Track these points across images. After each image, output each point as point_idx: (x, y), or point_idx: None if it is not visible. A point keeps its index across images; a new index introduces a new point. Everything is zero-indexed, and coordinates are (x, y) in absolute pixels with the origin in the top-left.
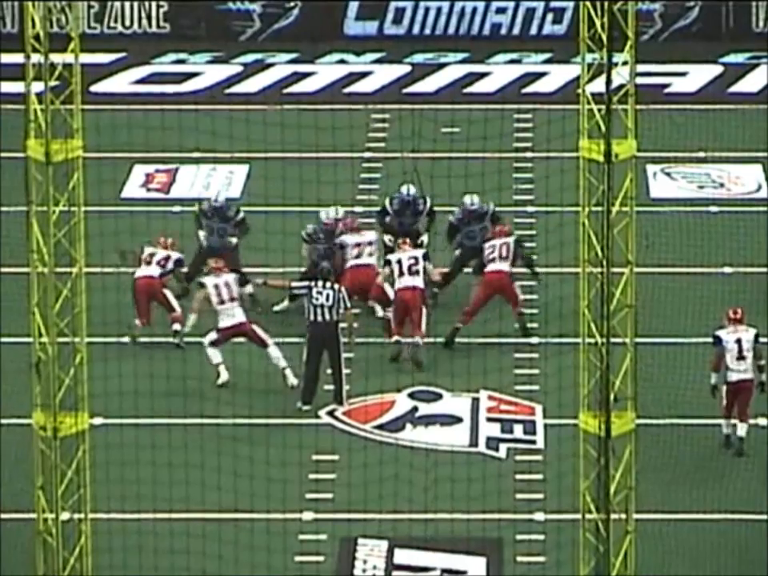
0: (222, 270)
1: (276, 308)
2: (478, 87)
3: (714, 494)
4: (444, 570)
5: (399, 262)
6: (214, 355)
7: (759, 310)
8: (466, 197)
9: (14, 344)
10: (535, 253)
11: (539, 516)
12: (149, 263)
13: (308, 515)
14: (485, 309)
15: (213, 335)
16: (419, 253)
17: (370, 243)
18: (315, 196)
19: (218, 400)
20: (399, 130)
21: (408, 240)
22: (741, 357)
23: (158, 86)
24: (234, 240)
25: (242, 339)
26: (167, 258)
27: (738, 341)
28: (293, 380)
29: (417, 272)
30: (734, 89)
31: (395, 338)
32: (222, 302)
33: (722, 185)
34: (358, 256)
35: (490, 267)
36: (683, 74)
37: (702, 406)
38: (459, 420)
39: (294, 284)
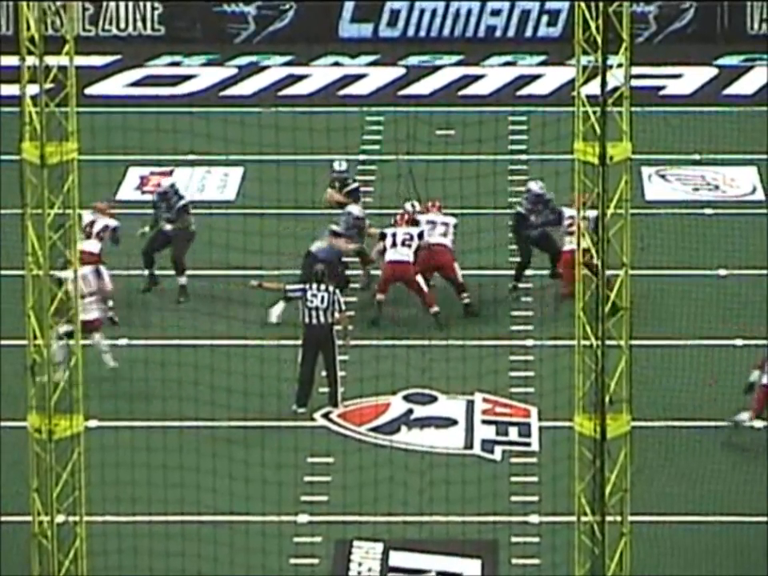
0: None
1: (273, 319)
2: (473, 89)
3: (710, 496)
4: (439, 573)
5: (394, 235)
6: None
7: (754, 312)
8: (530, 183)
9: (9, 346)
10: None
11: (534, 518)
12: (89, 236)
13: (303, 517)
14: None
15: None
16: (415, 230)
17: (445, 224)
18: (310, 198)
19: (213, 402)
20: (394, 133)
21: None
22: None
23: (152, 89)
24: (169, 227)
25: (237, 341)
26: (105, 228)
27: None
28: (112, 362)
29: (409, 246)
30: (729, 91)
31: (379, 296)
32: (81, 297)
33: (716, 187)
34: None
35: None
36: (678, 76)
37: (698, 408)
38: (454, 422)
39: (288, 287)
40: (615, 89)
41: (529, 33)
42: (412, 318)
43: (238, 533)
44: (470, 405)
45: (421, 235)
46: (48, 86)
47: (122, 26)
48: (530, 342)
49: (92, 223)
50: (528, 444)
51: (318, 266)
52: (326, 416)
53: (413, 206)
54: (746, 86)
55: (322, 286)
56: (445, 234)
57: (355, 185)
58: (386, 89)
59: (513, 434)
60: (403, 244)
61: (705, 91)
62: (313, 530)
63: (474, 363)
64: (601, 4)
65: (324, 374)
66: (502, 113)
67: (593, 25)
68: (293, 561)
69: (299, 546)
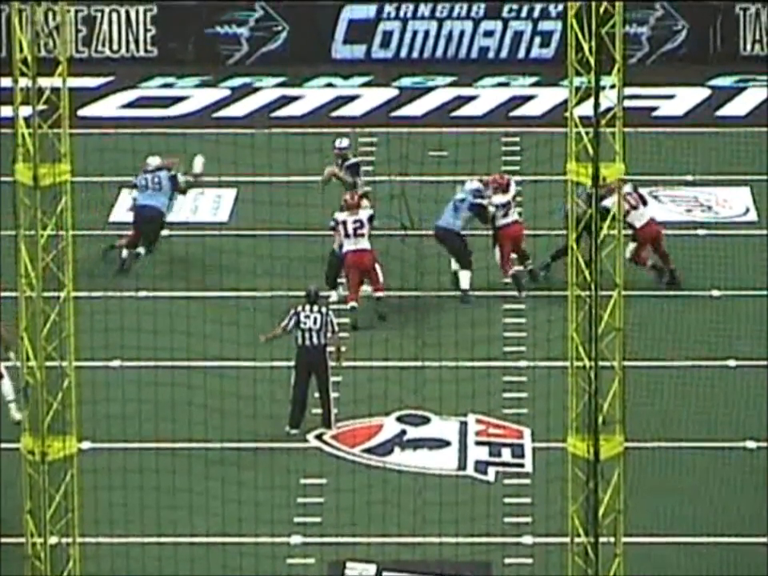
0: None
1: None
2: (466, 111)
3: (703, 517)
4: None
5: (344, 223)
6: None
7: (747, 333)
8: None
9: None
10: (522, 277)
11: (528, 539)
12: None
13: (296, 539)
14: None
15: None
16: (365, 215)
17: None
18: (303, 220)
19: (206, 424)
20: (387, 154)
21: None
22: None
23: (145, 110)
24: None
25: (230, 363)
26: None
27: None
28: (16, 415)
29: (362, 234)
30: (721, 112)
31: (351, 304)
32: None
33: (709, 208)
34: (505, 215)
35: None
36: (671, 97)
37: (691, 428)
38: (447, 443)
39: (283, 324)
40: (608, 110)
41: (522, 54)
42: (405, 339)
43: (231, 554)
44: (464, 426)
45: (371, 219)
46: (41, 107)
47: (115, 47)
48: (523, 363)
49: None
50: (521, 465)
51: (310, 287)
52: (319, 437)
53: None
54: (738, 107)
55: (315, 308)
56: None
57: (355, 160)
58: (379, 110)
59: (506, 455)
60: (356, 233)
61: (697, 112)
62: (306, 552)
63: (467, 384)
64: (594, 25)
65: (317, 395)
66: (495, 134)
67: (586, 46)
68: None
69: (292, 567)
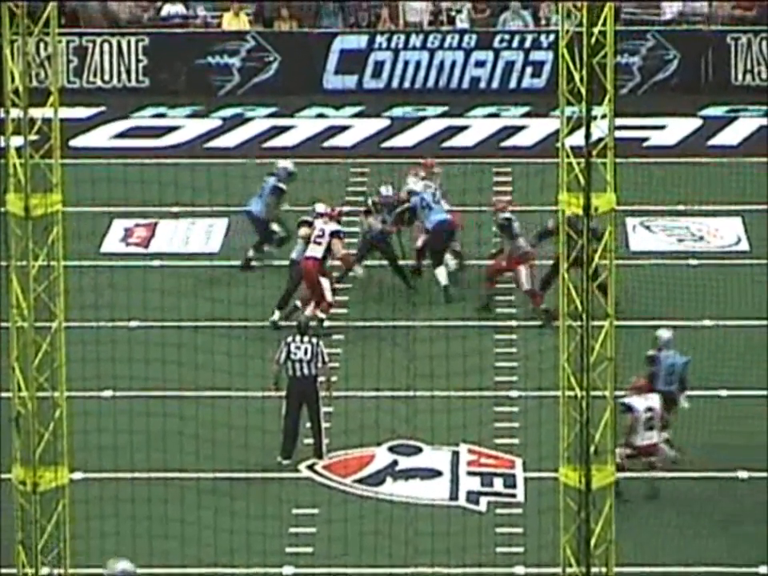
0: None
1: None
2: (457, 141)
3: (695, 547)
4: None
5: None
6: None
7: (739, 363)
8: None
9: None
10: (515, 306)
11: (520, 570)
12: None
13: (288, 569)
14: None
15: None
16: (328, 228)
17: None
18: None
19: (198, 454)
20: (379, 184)
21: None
22: None
23: (137, 140)
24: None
25: (221, 393)
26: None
27: None
28: None
29: (318, 243)
30: (713, 142)
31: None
32: None
33: (701, 238)
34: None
35: None
36: (662, 127)
37: (683, 458)
38: (439, 473)
39: (275, 357)
40: (599, 140)
41: (513, 84)
42: (397, 369)
43: None
44: (455, 456)
45: (333, 234)
46: (32, 137)
47: (107, 77)
48: (514, 393)
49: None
50: (513, 495)
51: (300, 317)
52: (310, 467)
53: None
54: (730, 136)
55: (305, 338)
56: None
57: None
58: (371, 140)
59: (498, 484)
60: (315, 241)
61: (689, 142)
62: None
63: (458, 414)
64: (585, 55)
65: (309, 425)
66: (487, 164)
67: (577, 76)
68: None
69: None
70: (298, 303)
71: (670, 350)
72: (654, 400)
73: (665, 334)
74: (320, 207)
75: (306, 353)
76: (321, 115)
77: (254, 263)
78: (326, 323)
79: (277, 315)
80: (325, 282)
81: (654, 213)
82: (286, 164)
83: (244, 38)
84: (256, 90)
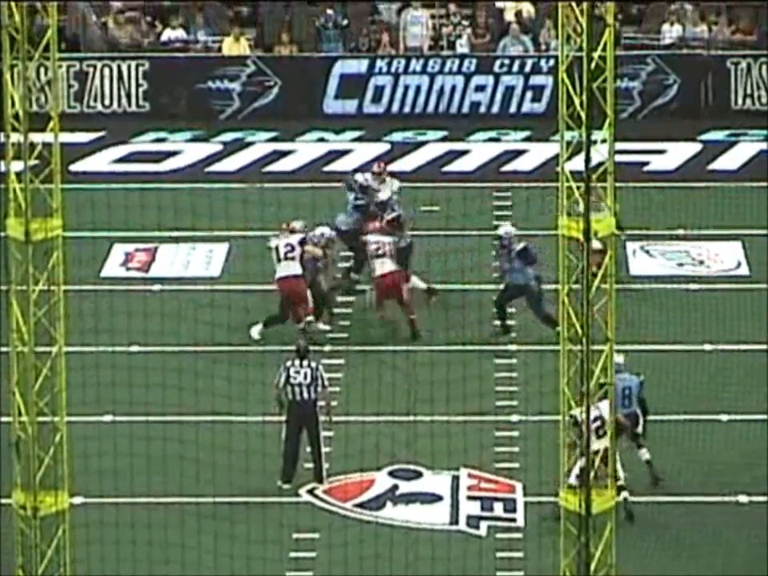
0: None
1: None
2: (457, 165)
3: (694, 571)
4: None
5: (277, 248)
6: None
7: (739, 387)
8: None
9: None
10: (514, 330)
11: None
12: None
13: None
14: None
15: None
16: (295, 239)
17: None
18: None
19: (198, 478)
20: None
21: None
22: None
23: (137, 165)
24: None
25: (222, 417)
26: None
27: None
28: None
29: (292, 258)
30: (713, 166)
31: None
32: None
33: (701, 262)
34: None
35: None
36: (662, 152)
37: (683, 483)
38: (439, 498)
39: (275, 382)
40: (599, 164)
41: (513, 109)
42: (397, 393)
43: None
44: (455, 480)
45: (302, 242)
46: (32, 162)
47: (107, 102)
48: (514, 418)
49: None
50: (513, 519)
51: (300, 342)
52: (311, 492)
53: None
54: (730, 161)
55: (305, 362)
56: None
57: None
58: (371, 164)
59: (498, 509)
60: (286, 257)
61: (689, 166)
62: None
63: (458, 439)
64: (585, 80)
65: (309, 449)
66: (487, 188)
67: (577, 100)
68: None
69: None
70: (309, 319)
71: (624, 374)
72: (601, 409)
73: (616, 358)
74: (298, 224)
75: (305, 377)
76: (321, 140)
77: (359, 287)
78: (328, 335)
79: (256, 331)
80: (308, 293)
81: (654, 237)
82: (358, 177)
83: (244, 62)
84: (256, 115)
